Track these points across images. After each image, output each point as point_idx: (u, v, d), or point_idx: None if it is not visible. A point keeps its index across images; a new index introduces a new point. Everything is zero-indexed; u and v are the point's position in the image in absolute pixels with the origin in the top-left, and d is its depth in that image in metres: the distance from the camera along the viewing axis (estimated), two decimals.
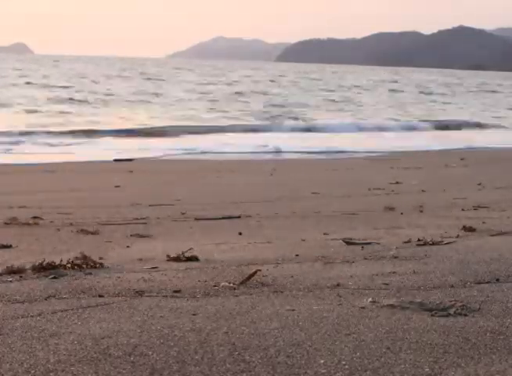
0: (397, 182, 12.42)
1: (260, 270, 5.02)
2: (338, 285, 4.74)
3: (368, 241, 6.45)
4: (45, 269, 5.05)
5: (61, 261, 5.18)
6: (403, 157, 19.29)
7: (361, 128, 30.07)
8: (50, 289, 4.58)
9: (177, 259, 5.59)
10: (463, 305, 4.18)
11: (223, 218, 8.32)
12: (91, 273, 5.06)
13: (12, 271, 5.01)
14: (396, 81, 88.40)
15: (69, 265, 5.16)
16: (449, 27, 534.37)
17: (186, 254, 5.65)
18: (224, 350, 3.43)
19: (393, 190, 11.46)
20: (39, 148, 20.66)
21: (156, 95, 46.71)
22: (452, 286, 4.73)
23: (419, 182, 12.50)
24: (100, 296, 4.43)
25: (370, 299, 4.34)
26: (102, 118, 30.21)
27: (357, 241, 6.44)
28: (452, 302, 4.22)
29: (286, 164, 17.43)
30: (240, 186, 12.46)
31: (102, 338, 3.58)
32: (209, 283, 4.80)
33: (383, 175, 13.99)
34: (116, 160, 17.22)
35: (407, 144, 23.87)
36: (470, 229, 7.06)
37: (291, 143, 22.70)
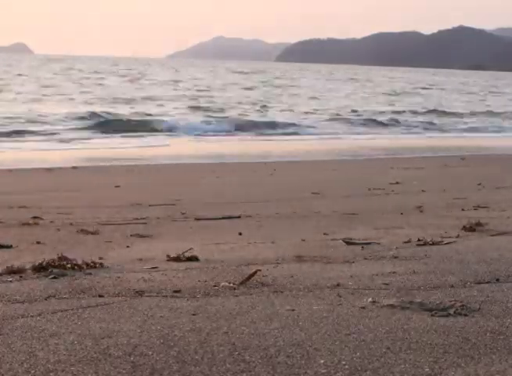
0: (397, 182, 12.42)
1: (260, 270, 5.01)
2: (338, 285, 4.74)
3: (368, 241, 6.46)
4: (45, 269, 5.05)
5: (60, 260, 5.18)
6: (404, 157, 19.31)
7: None
8: (50, 289, 4.58)
9: (177, 259, 5.59)
10: (463, 305, 4.18)
11: (223, 218, 8.32)
12: (91, 273, 5.06)
13: (12, 271, 5.01)
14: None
15: (69, 265, 5.16)
16: (449, 27, 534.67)
17: (186, 254, 5.65)
18: (224, 350, 3.43)
19: (393, 190, 11.45)
20: None
21: None
22: (452, 286, 4.73)
23: (419, 182, 12.50)
24: (100, 296, 4.43)
25: (370, 299, 4.34)
26: None
27: (357, 241, 6.44)
28: (452, 302, 4.22)
29: (286, 164, 17.43)
30: (240, 186, 12.46)
31: (102, 338, 3.58)
32: (209, 283, 4.80)
33: (383, 175, 13.99)
34: None
35: None
36: (470, 229, 7.06)
37: None
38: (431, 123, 34.65)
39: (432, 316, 4.03)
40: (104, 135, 25.04)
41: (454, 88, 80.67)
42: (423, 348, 3.49)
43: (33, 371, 3.17)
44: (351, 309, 4.16)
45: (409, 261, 5.56)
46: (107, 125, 27.35)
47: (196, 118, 30.94)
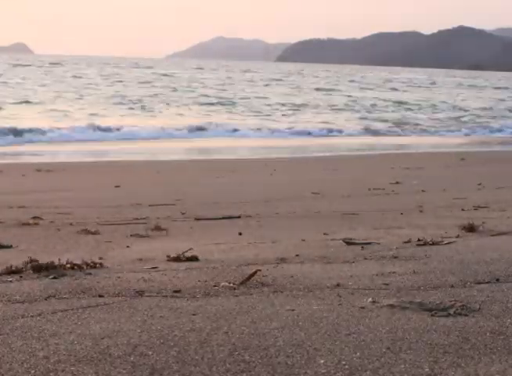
0: (397, 182, 12.42)
1: (260, 270, 5.01)
2: (338, 285, 4.74)
3: (368, 241, 6.45)
4: (45, 269, 5.05)
5: (59, 261, 5.18)
6: (403, 156, 19.30)
7: None
8: (50, 289, 4.58)
9: (177, 259, 5.59)
10: (463, 305, 4.18)
11: (223, 218, 8.32)
12: (91, 273, 5.05)
13: (12, 271, 5.01)
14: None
15: (69, 266, 5.16)
16: (449, 27, 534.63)
17: (186, 254, 5.65)
18: (224, 350, 3.43)
19: (393, 190, 11.45)
20: None
21: None
22: (452, 286, 4.73)
23: (419, 182, 12.50)
24: (100, 296, 4.43)
25: (370, 299, 4.34)
26: None
27: (357, 241, 6.44)
28: (452, 302, 4.22)
29: (286, 164, 17.43)
30: (240, 186, 12.46)
31: (102, 338, 3.58)
32: (209, 283, 4.80)
33: (383, 175, 13.99)
34: None
35: None
36: (470, 229, 7.06)
37: None
38: None
39: (432, 316, 4.02)
40: None
41: None
42: (423, 348, 3.49)
43: (33, 371, 3.17)
44: (351, 309, 4.16)
45: (409, 261, 5.56)
46: None
47: None
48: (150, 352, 3.39)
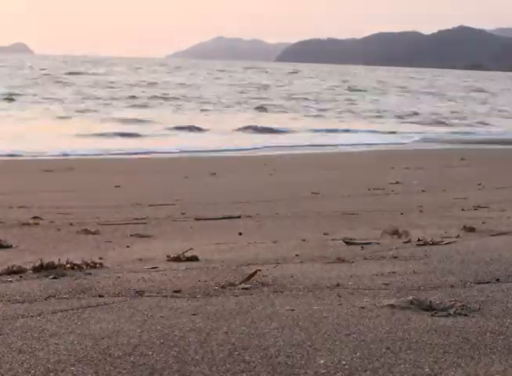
0: (397, 182, 12.42)
1: (260, 270, 5.01)
2: (338, 285, 4.74)
3: (368, 241, 6.45)
4: (45, 269, 5.05)
5: (59, 261, 5.18)
6: (403, 156, 19.30)
7: None
8: (50, 289, 4.58)
9: (177, 259, 5.59)
10: (463, 305, 4.18)
11: (223, 218, 8.32)
12: (91, 273, 5.05)
13: (12, 271, 5.01)
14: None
15: (69, 266, 5.16)
16: (449, 27, 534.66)
17: (186, 254, 5.65)
18: (224, 350, 3.43)
19: (393, 190, 11.46)
20: None
21: None
22: (452, 286, 4.73)
23: (419, 182, 12.50)
24: (100, 296, 4.43)
25: (370, 299, 4.34)
26: None
27: (357, 241, 6.44)
28: (452, 302, 4.22)
29: (286, 164, 17.43)
30: (240, 186, 12.46)
31: (102, 338, 3.58)
32: (209, 283, 4.80)
33: (383, 175, 13.99)
34: None
35: None
36: (470, 229, 7.06)
37: None
38: None
39: (432, 316, 4.02)
40: None
41: None
42: (423, 348, 3.49)
43: (33, 371, 3.17)
44: (351, 309, 4.16)
45: (409, 261, 5.56)
46: None
47: None
48: (150, 352, 3.39)
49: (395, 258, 5.70)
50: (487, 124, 37.09)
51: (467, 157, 18.68)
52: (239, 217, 8.41)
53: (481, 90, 78.39)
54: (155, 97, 45.52)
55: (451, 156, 19.76)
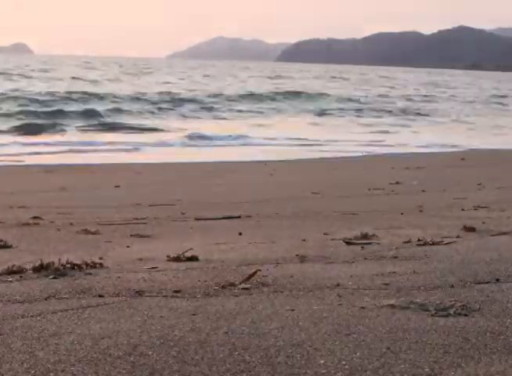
0: (397, 182, 12.42)
1: (260, 270, 5.01)
2: (338, 285, 4.74)
3: (368, 241, 6.45)
4: (45, 269, 5.05)
5: (59, 261, 5.18)
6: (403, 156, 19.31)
7: None
8: (50, 289, 4.58)
9: (177, 259, 5.59)
10: (463, 305, 4.18)
11: (223, 218, 8.32)
12: (91, 273, 5.05)
13: (12, 271, 5.01)
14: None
15: (69, 266, 5.16)
16: (449, 27, 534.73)
17: (186, 254, 5.65)
18: (224, 350, 3.43)
19: (393, 190, 11.46)
20: None
21: None
22: (452, 286, 4.73)
23: (419, 182, 12.50)
24: (100, 296, 4.43)
25: (370, 299, 4.34)
26: None
27: (357, 241, 6.44)
28: (452, 302, 4.22)
29: (286, 164, 17.43)
30: (240, 186, 12.46)
31: (102, 338, 3.58)
32: (209, 283, 4.80)
33: (383, 175, 13.99)
34: None
35: None
36: (470, 229, 7.06)
37: None
38: None
39: (432, 316, 4.03)
40: None
41: None
42: (423, 348, 3.49)
43: (33, 371, 3.17)
44: (351, 309, 4.16)
45: (409, 261, 5.56)
46: None
47: None
48: (150, 352, 3.39)
49: (395, 258, 5.70)
50: None
51: (467, 157, 18.68)
52: (239, 217, 8.41)
53: None
54: None
55: (451, 156, 19.76)
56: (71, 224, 7.67)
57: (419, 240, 6.41)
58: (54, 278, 4.87)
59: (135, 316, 4.00)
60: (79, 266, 5.18)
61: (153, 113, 35.38)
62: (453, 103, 52.79)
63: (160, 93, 44.12)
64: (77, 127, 27.48)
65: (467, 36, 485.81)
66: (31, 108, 32.91)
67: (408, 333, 3.71)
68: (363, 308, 4.17)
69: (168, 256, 5.65)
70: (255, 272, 4.91)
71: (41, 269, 5.04)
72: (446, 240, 6.45)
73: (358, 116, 38.60)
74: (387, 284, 4.77)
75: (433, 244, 6.28)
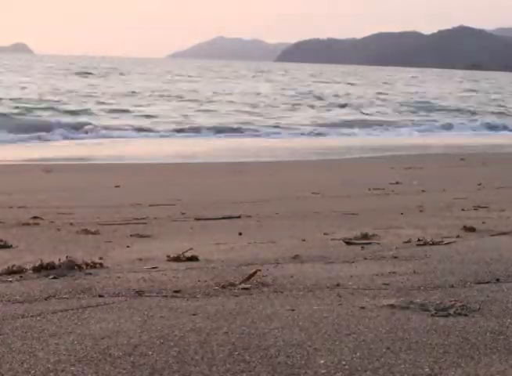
0: (397, 182, 12.42)
1: (260, 270, 5.01)
2: (338, 285, 4.74)
3: (368, 241, 6.45)
4: (45, 269, 5.05)
5: (59, 260, 5.18)
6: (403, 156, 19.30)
7: None
8: (50, 289, 4.58)
9: (177, 259, 5.58)
10: (463, 305, 4.18)
11: (223, 218, 8.32)
12: (91, 273, 5.05)
13: (12, 271, 5.01)
14: None
15: (69, 265, 5.15)
16: (449, 27, 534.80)
17: (186, 254, 5.65)
18: (224, 350, 3.43)
19: (393, 190, 11.45)
20: None
21: None
22: (452, 286, 4.73)
23: (419, 182, 12.50)
24: (100, 296, 4.43)
25: (370, 299, 4.34)
26: None
27: (357, 241, 6.44)
28: (452, 302, 4.22)
29: (286, 164, 17.43)
30: (240, 186, 12.46)
31: (102, 338, 3.58)
32: (209, 283, 4.80)
33: (383, 175, 13.99)
34: None
35: None
36: (470, 229, 7.06)
37: None
38: None
39: (432, 316, 4.02)
40: None
41: None
42: (423, 348, 3.49)
43: (33, 371, 3.17)
44: (351, 309, 4.16)
45: (409, 261, 5.56)
46: None
47: None
48: (150, 352, 3.39)
49: (395, 258, 5.70)
50: None
51: (467, 157, 18.68)
52: (239, 217, 8.41)
53: None
54: None
55: (451, 156, 19.76)
56: (71, 224, 7.66)
57: (419, 240, 6.42)
58: (54, 278, 4.87)
59: (135, 316, 4.00)
60: (79, 266, 5.18)
61: None
62: None
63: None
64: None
65: (467, 36, 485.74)
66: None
67: (408, 333, 3.71)
68: (363, 308, 4.17)
69: (168, 256, 5.65)
70: (255, 272, 4.91)
71: (41, 269, 5.04)
72: (446, 240, 6.45)
73: None
74: (387, 284, 4.77)
75: (433, 244, 6.27)
